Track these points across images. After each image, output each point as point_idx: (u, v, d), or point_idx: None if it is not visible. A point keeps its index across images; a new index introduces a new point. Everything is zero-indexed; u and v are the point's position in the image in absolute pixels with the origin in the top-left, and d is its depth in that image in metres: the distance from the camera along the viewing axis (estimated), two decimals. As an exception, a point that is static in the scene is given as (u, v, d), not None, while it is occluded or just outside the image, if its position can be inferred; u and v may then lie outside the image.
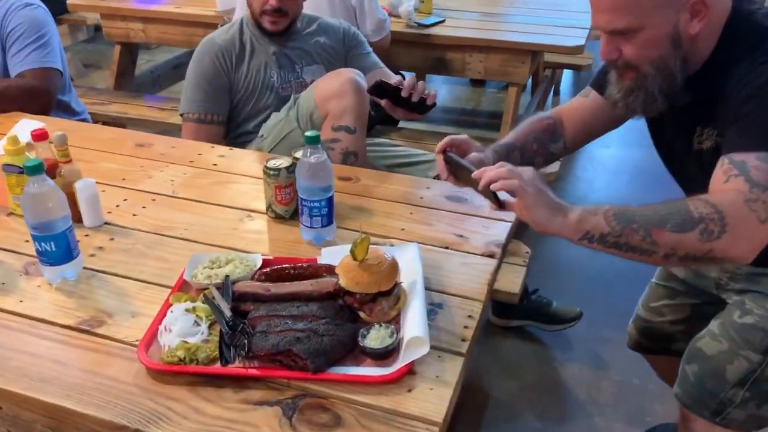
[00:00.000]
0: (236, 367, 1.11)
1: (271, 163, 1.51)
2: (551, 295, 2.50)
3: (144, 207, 1.61)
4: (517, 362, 2.40)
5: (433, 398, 1.06)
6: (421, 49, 3.08)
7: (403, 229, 1.52)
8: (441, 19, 3.20)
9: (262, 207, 1.58)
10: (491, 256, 1.42)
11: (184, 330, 1.17)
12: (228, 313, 1.19)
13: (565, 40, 2.91)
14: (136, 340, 1.17)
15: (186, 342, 1.14)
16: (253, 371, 1.09)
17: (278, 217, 1.54)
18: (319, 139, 1.38)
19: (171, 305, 1.24)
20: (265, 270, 1.31)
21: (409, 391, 1.07)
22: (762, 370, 1.22)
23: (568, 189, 3.46)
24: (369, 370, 1.10)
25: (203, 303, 1.24)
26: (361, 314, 1.20)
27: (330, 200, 1.43)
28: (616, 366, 2.36)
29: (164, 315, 1.22)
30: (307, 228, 1.44)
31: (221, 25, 2.38)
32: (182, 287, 1.30)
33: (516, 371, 2.36)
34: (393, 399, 1.05)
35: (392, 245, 1.44)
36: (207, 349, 1.13)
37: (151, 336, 1.17)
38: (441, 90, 4.76)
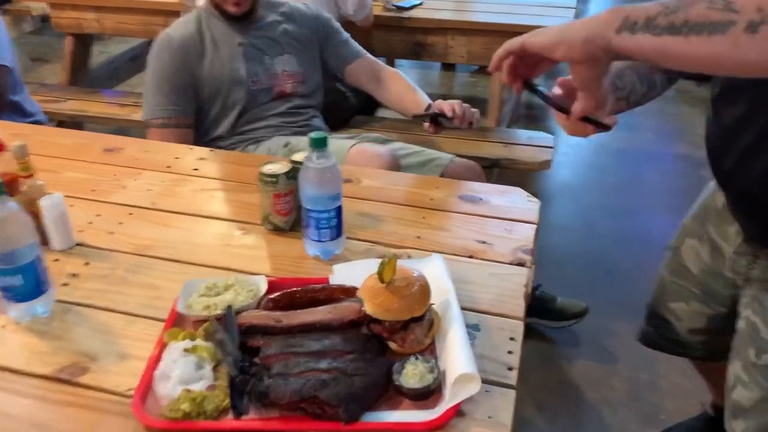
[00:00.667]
0: (253, 419, 0.94)
1: (267, 169, 1.33)
2: (549, 287, 2.38)
3: (121, 223, 1.42)
4: (521, 363, 2.28)
5: (489, 443, 0.91)
6: (400, 34, 2.91)
7: (418, 237, 1.36)
8: (419, 1, 3.03)
9: (255, 218, 1.41)
10: (521, 264, 1.28)
11: (186, 375, 1.00)
12: (236, 352, 1.02)
13: (551, 20, 2.77)
14: (130, 390, 0.99)
15: (189, 391, 0.96)
16: (273, 424, 0.93)
17: (276, 230, 1.37)
18: (326, 142, 1.20)
19: (166, 344, 1.06)
20: (272, 296, 1.13)
21: (459, 437, 0.92)
22: None
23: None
24: (410, 415, 0.94)
25: (204, 340, 1.06)
26: (392, 345, 1.04)
27: (339, 210, 1.26)
28: (624, 360, 2.26)
29: (159, 357, 1.04)
30: (313, 242, 1.27)
31: (183, 14, 2.17)
32: (176, 321, 1.12)
33: (521, 373, 2.24)
34: (443, 448, 0.90)
35: (409, 257, 1.29)
36: (215, 399, 0.96)
37: (147, 384, 0.99)
38: (411, 74, 4.60)
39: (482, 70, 4.35)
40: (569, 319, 2.30)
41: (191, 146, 1.76)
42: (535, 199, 1.49)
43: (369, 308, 1.03)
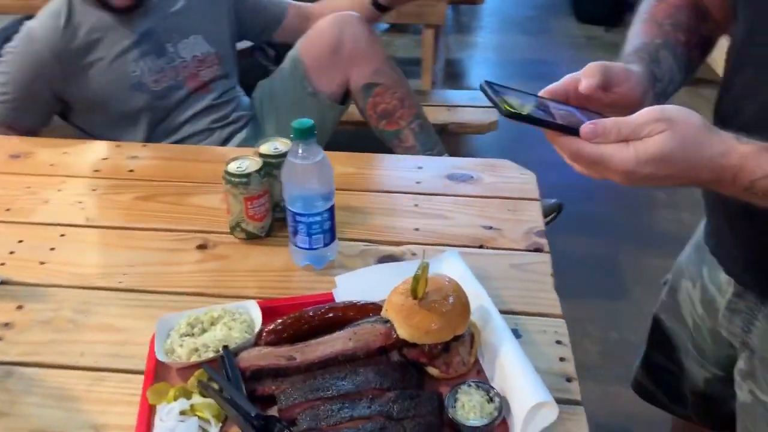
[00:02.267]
0: (290, 494, 0.75)
1: (235, 167, 1.10)
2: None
3: (52, 249, 1.15)
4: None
5: (577, 480, 0.77)
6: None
7: (417, 230, 1.19)
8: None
9: (221, 225, 1.18)
10: (538, 249, 1.14)
11: (192, 447, 0.79)
12: (248, 405, 0.82)
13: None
14: (117, 476, 0.78)
15: (200, 468, 0.76)
16: (319, 497, 0.75)
17: (251, 238, 1.15)
18: (314, 130, 1.00)
19: (152, 406, 0.84)
20: (272, 326, 0.93)
21: (542, 475, 0.78)
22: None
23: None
24: (478, 457, 0.79)
25: (201, 395, 0.85)
26: (432, 371, 0.88)
27: (332, 210, 1.06)
28: (592, 320, 2.21)
29: (148, 426, 0.82)
30: (303, 250, 1.07)
31: None
32: (158, 372, 0.90)
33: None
34: (527, 496, 0.76)
35: (414, 255, 1.11)
36: (235, 472, 0.76)
37: (141, 466, 0.78)
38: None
39: (394, 29, 4.16)
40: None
41: (117, 143, 1.48)
42: (529, 171, 1.35)
43: (404, 332, 0.86)
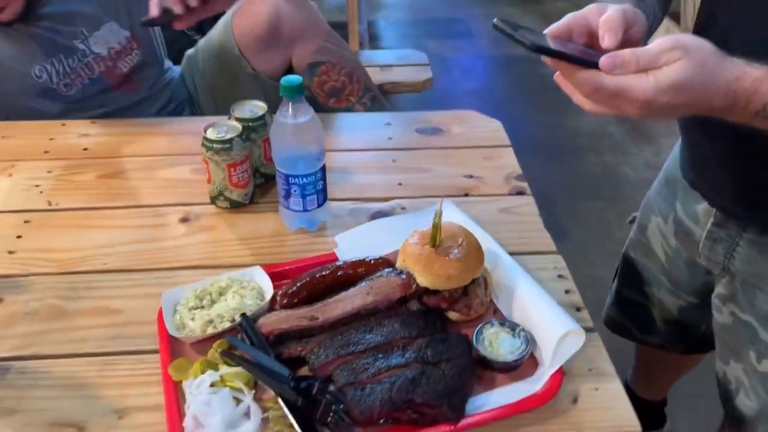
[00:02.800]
0: (341, 449, 0.75)
1: (214, 133, 1.06)
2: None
3: (19, 236, 1.07)
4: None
5: (609, 400, 0.81)
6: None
7: (400, 185, 1.19)
8: None
9: (200, 197, 1.14)
10: (521, 192, 1.17)
11: (230, 417, 0.77)
12: (282, 368, 0.80)
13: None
14: (156, 456, 0.75)
15: (245, 436, 0.75)
16: (372, 448, 0.75)
17: (235, 206, 1.11)
18: (302, 88, 0.97)
19: (176, 383, 0.81)
20: (286, 289, 0.91)
21: (575, 401, 0.81)
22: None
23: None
24: (515, 391, 0.81)
25: (227, 364, 0.83)
26: (452, 315, 0.89)
27: (324, 170, 1.04)
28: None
29: (177, 402, 0.79)
30: (295, 213, 1.05)
31: None
32: (174, 349, 0.86)
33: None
34: (567, 421, 0.79)
35: (404, 209, 1.12)
36: (281, 436, 0.75)
37: (181, 443, 0.75)
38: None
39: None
40: None
41: (62, 121, 1.38)
42: (495, 120, 1.37)
43: (425, 280, 0.86)
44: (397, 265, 0.91)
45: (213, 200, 1.12)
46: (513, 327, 0.86)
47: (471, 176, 1.21)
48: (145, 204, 1.14)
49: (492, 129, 1.34)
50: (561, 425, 0.78)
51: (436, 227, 0.86)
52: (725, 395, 1.04)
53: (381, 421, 0.77)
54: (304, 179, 1.01)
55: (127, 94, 1.48)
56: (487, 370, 0.83)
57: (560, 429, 0.78)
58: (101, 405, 0.81)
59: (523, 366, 0.83)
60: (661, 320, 1.22)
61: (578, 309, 0.94)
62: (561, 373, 0.81)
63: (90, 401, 0.81)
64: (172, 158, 1.25)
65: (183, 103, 1.62)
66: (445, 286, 0.86)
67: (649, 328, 1.25)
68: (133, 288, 0.98)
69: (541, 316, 0.85)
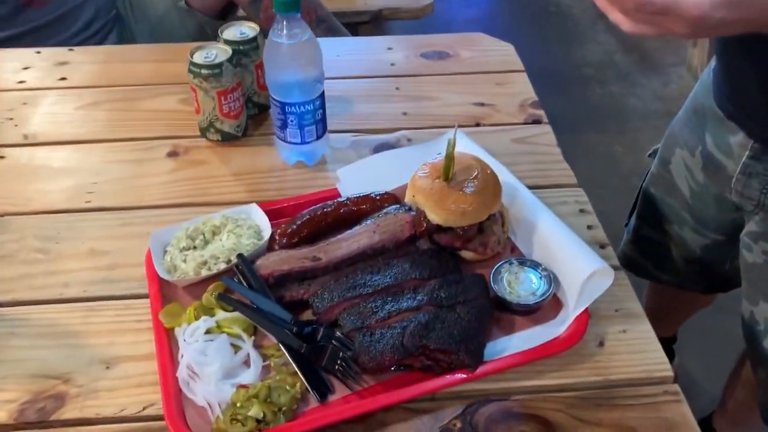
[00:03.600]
0: (352, 399, 0.69)
1: (202, 57, 0.96)
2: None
3: (-7, 174, 0.99)
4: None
5: (638, 343, 0.75)
6: None
7: (405, 114, 1.10)
8: None
9: (189, 129, 1.05)
10: (538, 121, 1.08)
11: (228, 365, 0.71)
12: (283, 314, 0.74)
13: None
14: (148, 409, 0.69)
15: (245, 387, 0.68)
16: (385, 397, 0.68)
17: (227, 139, 1.03)
18: (299, 2, 0.87)
19: (169, 330, 0.75)
20: (286, 228, 0.84)
21: (601, 345, 0.75)
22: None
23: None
24: (535, 335, 0.74)
25: (223, 309, 0.76)
26: (466, 255, 0.82)
27: (323, 97, 0.95)
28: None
29: (170, 351, 0.73)
30: (294, 145, 0.96)
31: None
32: (165, 293, 0.79)
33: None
34: (593, 367, 0.73)
35: (410, 141, 1.03)
36: (284, 386, 0.69)
37: (176, 395, 0.69)
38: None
39: None
40: None
41: (37, 49, 1.27)
42: (506, 43, 1.27)
43: (437, 217, 0.79)
44: (406, 200, 0.83)
45: (203, 132, 1.03)
46: (534, 266, 0.79)
47: (482, 104, 1.12)
48: (128, 137, 1.05)
49: (503, 53, 1.24)
50: (587, 371, 0.72)
51: (450, 158, 0.77)
52: (751, 336, 0.98)
53: (392, 369, 0.71)
54: (302, 108, 0.92)
55: (34, 15, 1.34)
56: (505, 313, 0.77)
57: (587, 375, 0.72)
58: (87, 354, 0.74)
59: (544, 308, 0.77)
60: (681, 258, 1.15)
61: (602, 246, 0.87)
62: (587, 315, 0.75)
63: (75, 350, 0.75)
64: (156, 88, 1.15)
65: (110, 23, 1.46)
66: (459, 222, 0.79)
67: (668, 266, 1.18)
68: (119, 228, 0.90)
69: (565, 254, 0.78)
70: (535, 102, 1.12)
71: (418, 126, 1.07)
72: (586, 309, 0.75)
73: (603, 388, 0.71)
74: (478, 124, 1.08)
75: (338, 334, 0.72)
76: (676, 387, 0.71)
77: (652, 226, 1.17)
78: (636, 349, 0.74)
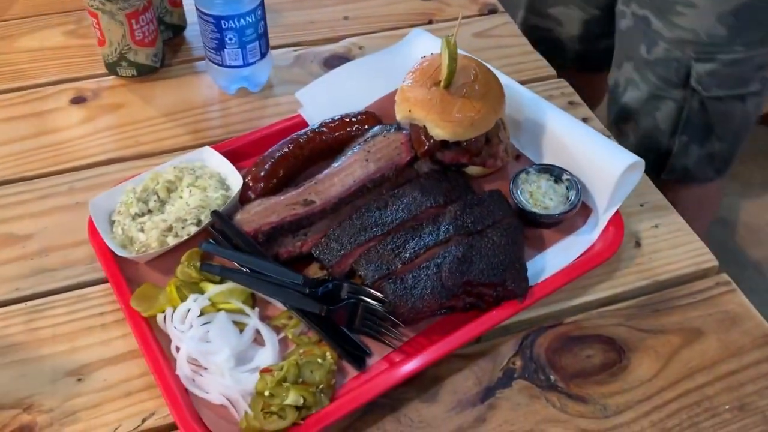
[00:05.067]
0: (394, 361, 0.58)
1: (99, -26, 0.76)
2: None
3: None
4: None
5: (674, 236, 0.69)
6: None
7: (346, 18, 0.95)
8: None
9: (93, 67, 0.85)
10: (493, 10, 0.97)
11: (239, 350, 0.57)
12: (291, 275, 0.61)
13: None
14: (149, 420, 0.55)
15: (268, 371, 0.56)
16: (434, 351, 0.58)
17: (144, 72, 0.84)
18: None
19: (147, 318, 0.60)
20: (257, 171, 0.69)
21: (638, 245, 0.68)
22: (688, 106, 0.98)
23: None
24: (569, 246, 0.66)
25: (212, 281, 0.62)
26: (473, 170, 0.72)
27: (264, 5, 0.78)
28: None
29: (157, 345, 0.58)
30: (235, 69, 0.80)
31: None
32: (127, 274, 0.63)
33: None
34: (638, 271, 0.66)
35: (362, 49, 0.89)
36: (314, 359, 0.57)
37: (183, 398, 0.55)
38: None
39: None
40: None
41: None
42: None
43: (443, 131, 0.67)
44: (399, 117, 0.71)
45: (111, 68, 0.83)
46: (553, 171, 0.70)
47: (430, -2, 0.99)
48: (13, 87, 0.84)
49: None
50: (633, 276, 0.66)
51: (453, 60, 0.65)
52: (614, 99, 1.04)
53: (446, 309, 0.61)
54: (242, 20, 0.75)
55: None
56: (531, 227, 0.69)
57: (634, 280, 0.66)
58: (46, 369, 0.58)
59: (571, 215, 0.69)
60: (568, 39, 1.17)
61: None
62: (620, 216, 0.68)
63: (28, 367, 0.58)
64: (31, 21, 0.92)
65: None
66: (468, 134, 0.68)
67: (557, 49, 1.16)
68: (36, 203, 0.71)
69: (585, 152, 0.69)
70: (486, -13, 1.00)
71: (365, 31, 0.93)
72: (617, 209, 0.68)
73: (654, 292, 0.65)
74: (430, 21, 0.95)
75: (364, 286, 0.61)
76: (725, 276, 0.66)
77: (540, 15, 1.17)
78: (674, 243, 0.69)
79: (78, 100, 0.82)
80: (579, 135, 0.71)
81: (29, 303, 0.63)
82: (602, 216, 0.68)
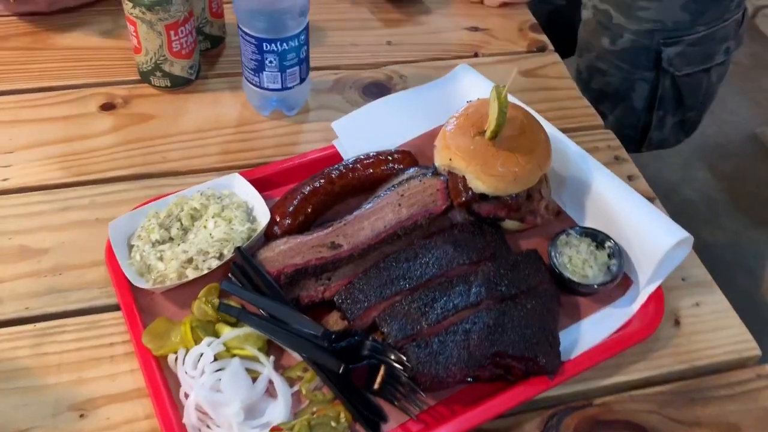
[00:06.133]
0: (411, 430, 0.55)
1: (141, -18, 0.73)
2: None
3: None
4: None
5: (715, 318, 0.65)
6: None
7: (389, 43, 0.91)
8: None
9: (128, 73, 0.82)
10: (543, 48, 0.93)
11: (250, 401, 0.55)
12: (311, 326, 0.58)
13: None
14: (151, 471, 0.52)
15: (279, 430, 0.53)
16: (456, 426, 0.55)
17: (178, 84, 0.81)
18: None
19: (158, 358, 0.57)
20: (285, 205, 0.66)
21: (677, 324, 0.65)
22: (662, 85, 1.04)
23: None
24: (604, 318, 0.62)
25: (226, 321, 0.59)
26: (510, 225, 0.68)
27: (308, 29, 0.75)
28: None
29: (166, 387, 0.55)
30: (270, 92, 0.77)
31: None
32: (140, 303, 0.61)
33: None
34: (675, 352, 0.62)
35: (403, 78, 0.86)
36: (327, 420, 0.54)
37: (187, 449, 0.53)
38: None
39: None
40: None
41: None
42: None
43: (485, 184, 0.64)
44: (438, 163, 0.67)
45: (145, 77, 0.81)
46: (596, 237, 0.66)
47: (476, 28, 0.95)
48: (43, 87, 0.81)
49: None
50: (670, 358, 0.62)
51: (504, 115, 0.62)
52: (583, 86, 1.05)
53: (470, 378, 0.58)
54: (285, 45, 0.72)
55: None
56: (565, 292, 0.65)
57: (670, 363, 0.62)
58: (49, 399, 0.56)
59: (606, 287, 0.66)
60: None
61: (650, 199, 0.76)
62: (661, 292, 0.64)
63: (31, 396, 0.56)
64: (72, 18, 0.89)
65: None
66: (510, 190, 0.64)
67: None
68: (55, 214, 0.69)
69: (630, 220, 0.66)
70: (535, 25, 0.96)
71: (408, 59, 0.89)
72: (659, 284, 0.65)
73: (691, 378, 0.61)
74: (476, 54, 0.91)
75: (387, 346, 0.58)
76: (761, 368, 0.63)
77: None
78: (716, 326, 0.65)
79: (107, 107, 0.79)
80: (626, 200, 0.67)
81: (38, 324, 0.60)
82: (643, 290, 0.64)
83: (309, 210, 0.67)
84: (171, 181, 0.72)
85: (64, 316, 0.61)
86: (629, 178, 0.77)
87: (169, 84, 0.81)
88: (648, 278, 0.64)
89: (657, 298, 0.64)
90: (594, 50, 1.05)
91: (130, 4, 0.73)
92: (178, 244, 0.63)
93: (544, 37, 0.95)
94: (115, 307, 0.61)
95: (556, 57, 0.92)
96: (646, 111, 1.08)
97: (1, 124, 0.77)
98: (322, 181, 0.68)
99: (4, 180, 0.71)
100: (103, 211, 0.69)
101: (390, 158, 0.71)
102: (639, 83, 1.05)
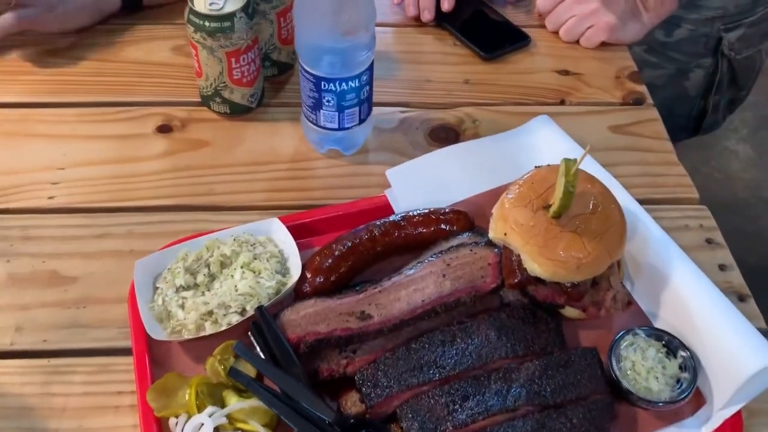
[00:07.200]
0: None
1: (206, 5, 0.70)
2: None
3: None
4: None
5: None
6: None
7: (467, 82, 0.84)
8: None
9: (189, 94, 0.80)
10: (640, 101, 0.83)
11: (244, 488, 0.50)
12: (322, 408, 0.52)
13: None
14: None
15: None
16: None
17: (237, 112, 0.78)
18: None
19: (160, 419, 0.53)
20: (319, 262, 0.61)
21: (756, 458, 0.55)
22: (720, 70, 1.05)
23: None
24: (670, 444, 0.54)
25: (235, 386, 0.55)
26: (570, 313, 0.60)
27: (372, 69, 0.70)
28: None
29: (163, 454, 0.52)
30: (328, 131, 0.72)
31: None
32: (154, 352, 0.57)
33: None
34: (751, 494, 0.53)
35: (476, 133, 0.79)
36: None
37: None
38: None
39: None
40: None
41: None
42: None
43: (542, 267, 0.56)
44: (491, 235, 0.60)
45: (205, 101, 0.78)
46: (669, 342, 0.57)
47: (566, 72, 0.86)
48: (99, 102, 0.80)
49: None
50: (742, 499, 0.53)
51: (569, 193, 0.54)
52: None
53: (474, 492, 0.51)
54: (344, 85, 0.67)
55: None
56: (622, 401, 0.56)
57: (742, 507, 0.52)
58: (46, 446, 0.54)
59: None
60: None
61: (741, 298, 0.65)
62: (740, 419, 0.54)
63: (29, 439, 0.54)
64: (140, 30, 0.88)
65: None
66: (570, 278, 0.56)
67: None
68: (92, 241, 0.67)
69: (714, 329, 0.56)
70: (635, 73, 0.86)
71: (485, 101, 0.82)
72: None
73: None
74: (563, 102, 0.83)
75: (401, 442, 0.51)
76: None
77: None
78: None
79: (164, 129, 0.77)
80: (711, 304, 0.57)
81: (52, 360, 0.58)
82: (717, 412, 0.55)
83: (343, 269, 0.61)
84: (212, 216, 0.69)
85: (78, 354, 0.59)
86: (721, 268, 0.67)
87: (228, 111, 0.77)
88: (725, 401, 0.54)
89: (734, 424, 0.54)
90: (643, 44, 1.02)
91: (192, 29, 0.70)
92: (203, 293, 0.59)
93: (643, 88, 0.84)
94: (130, 352, 0.58)
95: (655, 113, 0.82)
96: (701, 97, 1.09)
97: (59, 137, 0.76)
98: (364, 237, 0.63)
99: (50, 198, 0.70)
100: (138, 242, 0.66)
101: (442, 217, 0.64)
102: (694, 72, 1.06)
